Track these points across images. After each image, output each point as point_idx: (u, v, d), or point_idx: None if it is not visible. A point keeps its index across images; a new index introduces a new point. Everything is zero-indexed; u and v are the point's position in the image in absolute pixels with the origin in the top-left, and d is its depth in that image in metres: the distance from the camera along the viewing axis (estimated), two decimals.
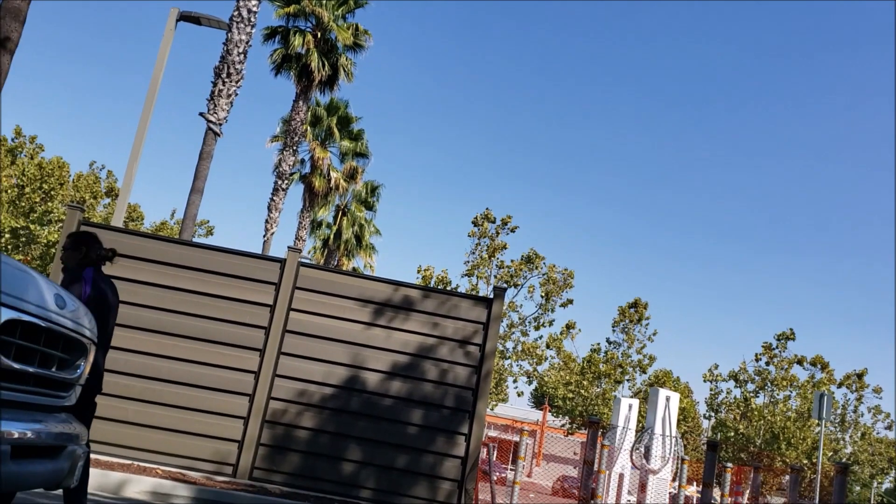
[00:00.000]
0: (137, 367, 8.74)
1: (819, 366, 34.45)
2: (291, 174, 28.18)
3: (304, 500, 8.13)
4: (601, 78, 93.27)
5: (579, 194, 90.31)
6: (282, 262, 9.18)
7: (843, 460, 36.73)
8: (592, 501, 12.77)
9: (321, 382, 8.96)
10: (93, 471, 7.23)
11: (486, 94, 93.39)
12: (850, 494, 43.84)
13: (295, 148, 25.83)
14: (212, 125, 17.30)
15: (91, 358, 3.89)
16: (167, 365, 8.81)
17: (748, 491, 12.80)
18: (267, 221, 25.31)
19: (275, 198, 25.48)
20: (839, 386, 36.62)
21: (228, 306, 9.01)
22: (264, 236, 25.21)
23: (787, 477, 29.17)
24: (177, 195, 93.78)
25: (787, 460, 29.68)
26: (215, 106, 17.55)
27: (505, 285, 21.40)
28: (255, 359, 8.94)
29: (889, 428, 38.95)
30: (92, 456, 8.06)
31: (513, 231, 28.89)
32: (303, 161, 30.51)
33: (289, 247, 9.24)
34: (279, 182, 25.45)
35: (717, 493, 14.65)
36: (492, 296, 9.41)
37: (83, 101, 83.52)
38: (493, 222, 28.51)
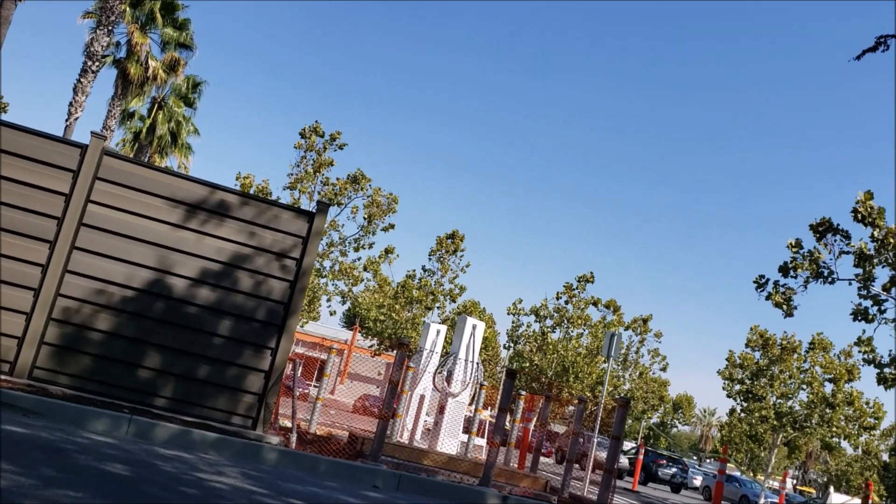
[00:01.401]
0: None
1: (611, 308, 37.16)
2: (104, 56, 25.71)
3: (90, 404, 7.59)
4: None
5: (411, 119, 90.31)
6: (83, 147, 8.30)
7: (622, 395, 40.26)
8: (392, 420, 13.05)
9: (120, 284, 8.31)
10: None
11: (324, 6, 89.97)
12: (625, 426, 48.33)
13: (111, 28, 23.55)
14: None
15: None
16: None
17: (536, 418, 13.62)
18: (71, 105, 23.05)
19: (82, 80, 23.20)
20: (626, 328, 39.74)
21: (16, 190, 8.07)
22: (66, 121, 22.97)
23: (572, 407, 31.57)
24: None
25: (574, 392, 32.06)
26: None
27: (328, 202, 20.97)
28: (45, 251, 8.11)
29: (664, 370, 43.00)
30: None
31: (341, 148, 28.31)
32: (118, 44, 27.91)
33: (92, 132, 8.37)
34: (89, 63, 23.16)
35: (508, 418, 15.45)
36: (314, 210, 9.11)
37: None
38: (322, 136, 27.75)
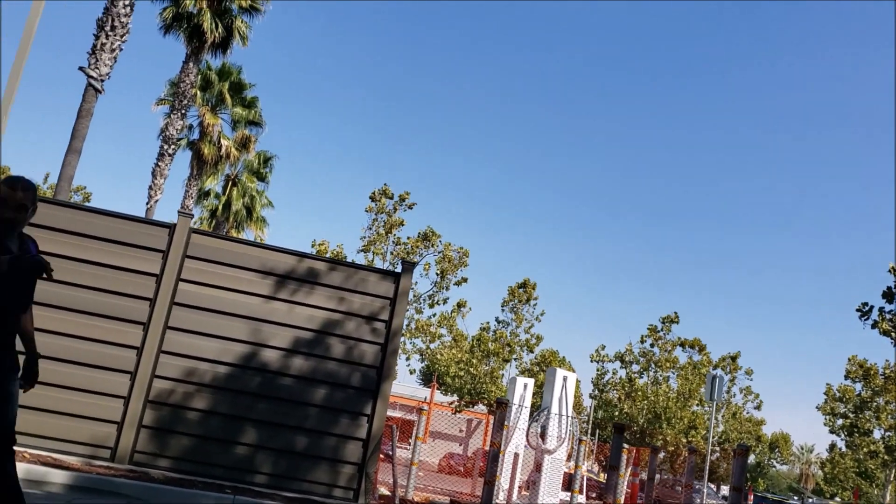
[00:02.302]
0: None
1: (697, 348, 35.91)
2: (179, 140, 26.62)
3: (192, 486, 7.47)
4: (503, 51, 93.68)
5: (478, 176, 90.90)
6: (171, 227, 8.37)
7: (716, 438, 38.58)
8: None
9: (214, 360, 8.26)
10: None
11: (387, 68, 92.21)
12: (719, 470, 46.25)
13: (183, 112, 24.36)
14: (93, 81, 15.95)
15: None
16: (39, 339, 7.87)
17: (645, 471, 12.99)
18: (151, 188, 23.79)
19: (160, 164, 23.97)
20: (715, 367, 38.31)
21: (109, 275, 8.15)
22: (147, 204, 23.70)
23: (663, 453, 30.30)
24: (52, 159, 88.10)
25: (668, 438, 30.81)
26: (97, 60, 16.20)
27: (412, 260, 20.91)
28: (139, 333, 8.13)
29: (758, 408, 41.18)
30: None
31: (410, 208, 28.47)
32: (191, 127, 28.92)
33: (179, 211, 8.45)
34: (165, 147, 23.95)
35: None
36: (400, 271, 8.96)
37: None
38: (391, 198, 27.99)
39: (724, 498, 35.15)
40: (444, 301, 33.70)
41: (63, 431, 7.83)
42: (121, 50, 16.50)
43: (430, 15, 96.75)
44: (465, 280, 32.56)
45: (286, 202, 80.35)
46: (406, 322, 33.09)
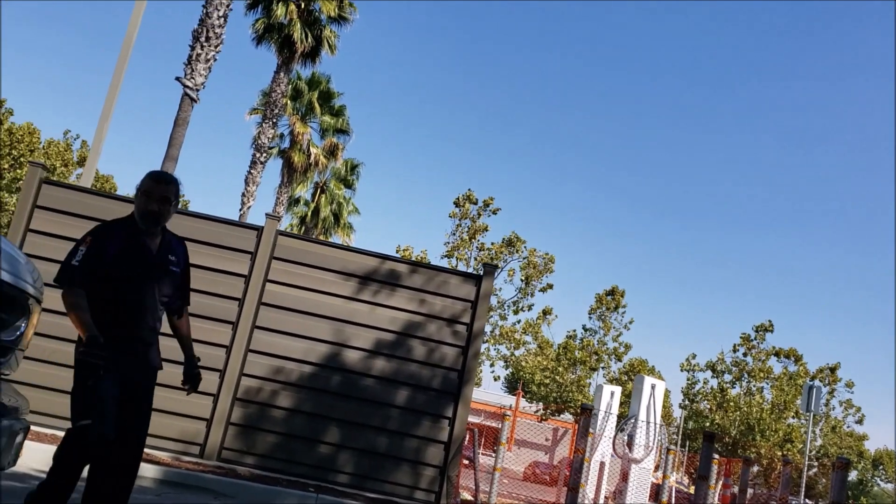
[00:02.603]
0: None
1: (792, 358, 34.45)
2: (270, 148, 27.41)
3: (276, 484, 7.60)
4: (592, 61, 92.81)
5: (563, 179, 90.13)
6: (259, 229, 8.57)
7: (814, 453, 36.87)
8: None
9: (299, 359, 8.40)
10: (44, 447, 6.64)
11: (471, 74, 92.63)
12: (817, 486, 44.22)
13: (274, 121, 25.07)
14: (188, 90, 16.56)
15: (35, 320, 3.31)
16: None
17: (737, 484, 12.49)
18: (244, 195, 24.56)
19: (252, 171, 24.73)
20: (812, 379, 36.66)
21: (200, 275, 8.39)
22: (240, 210, 24.47)
23: (757, 467, 29.13)
24: (150, 166, 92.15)
25: (762, 451, 29.62)
26: (192, 71, 16.81)
27: (494, 264, 20.89)
28: (228, 332, 8.35)
29: (859, 422, 39.17)
30: (45, 431, 7.46)
31: (494, 213, 28.43)
32: (282, 135, 29.74)
33: (267, 214, 8.64)
34: (257, 155, 24.69)
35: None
36: (482, 273, 8.90)
37: (58, 66, 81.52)
38: (475, 203, 28.00)
39: None
40: (529, 308, 33.46)
41: (155, 428, 8.04)
42: (215, 60, 17.09)
43: (520, 21, 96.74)
44: (550, 286, 32.25)
45: (372, 209, 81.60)
46: (490, 328, 33.00)
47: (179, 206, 4.32)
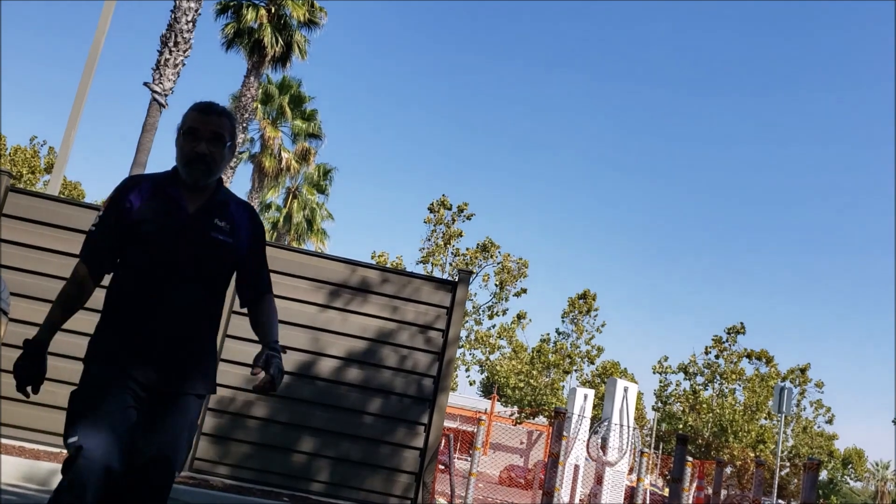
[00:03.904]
0: (70, 347, 7.95)
1: (764, 360, 34.86)
2: (241, 153, 27.20)
3: (250, 494, 7.51)
4: (562, 64, 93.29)
5: (536, 184, 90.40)
6: None
7: (786, 453, 37.34)
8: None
9: None
10: (20, 460, 6.50)
11: (443, 78, 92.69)
12: (789, 486, 44.74)
13: (245, 126, 24.84)
14: (157, 96, 16.38)
15: (2, 331, 3.23)
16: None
17: (711, 485, 12.62)
18: None
19: (222, 177, 24.51)
20: (783, 380, 37.16)
21: None
22: None
23: (730, 468, 29.46)
24: (118, 172, 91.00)
25: (735, 452, 29.95)
26: (161, 76, 16.63)
27: (469, 270, 20.90)
28: None
29: (829, 422, 39.74)
30: (20, 444, 7.30)
31: (469, 219, 28.47)
32: (252, 140, 29.50)
33: None
34: None
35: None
36: (456, 280, 8.89)
37: (22, 70, 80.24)
38: (450, 209, 28.02)
39: None
40: (504, 312, 33.56)
41: None
42: (184, 65, 16.92)
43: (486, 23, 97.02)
44: (524, 291, 32.37)
45: (346, 214, 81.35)
46: (465, 333, 33.01)
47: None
